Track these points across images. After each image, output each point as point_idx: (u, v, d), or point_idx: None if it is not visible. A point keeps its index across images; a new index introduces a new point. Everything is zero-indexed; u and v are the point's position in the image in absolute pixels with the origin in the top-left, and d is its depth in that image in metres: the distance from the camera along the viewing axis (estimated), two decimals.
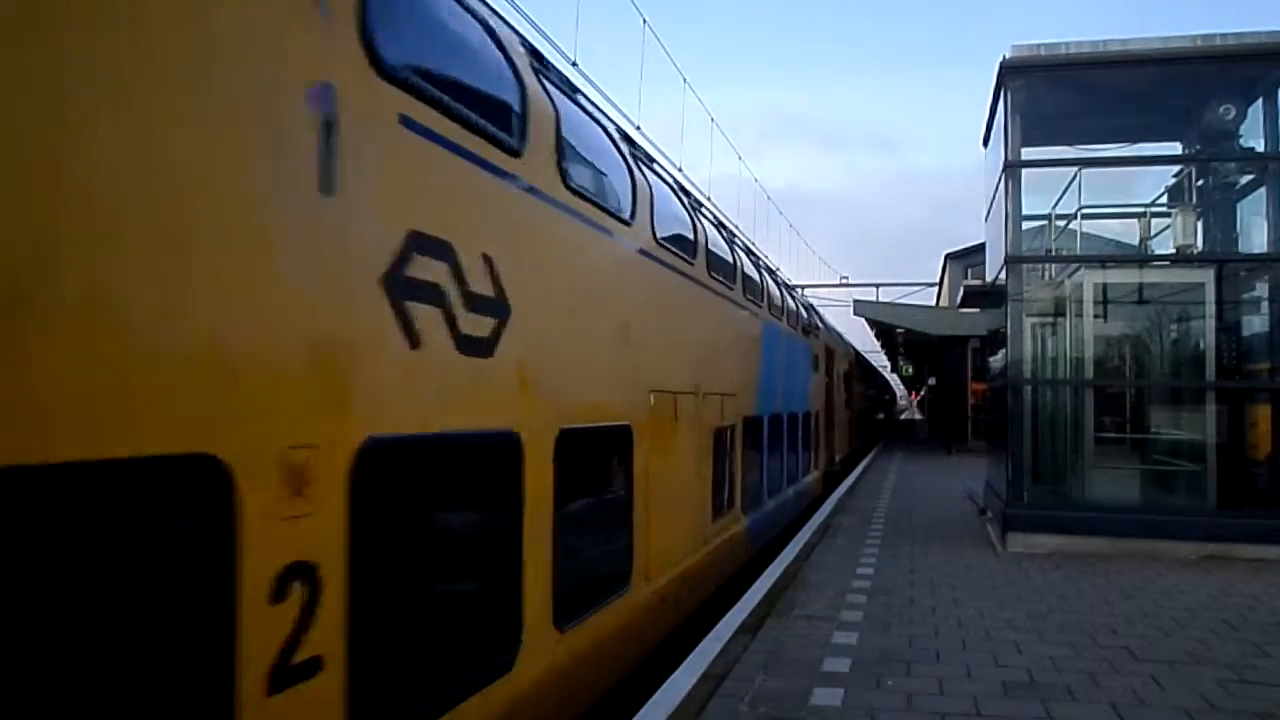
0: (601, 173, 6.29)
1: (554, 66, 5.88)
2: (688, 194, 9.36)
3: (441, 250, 3.69)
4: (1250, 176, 11.84)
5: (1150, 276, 12.18)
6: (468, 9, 4.43)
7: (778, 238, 60.48)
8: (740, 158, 27.63)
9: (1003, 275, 11.99)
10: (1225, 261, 11.72)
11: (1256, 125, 11.40)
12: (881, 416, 59.96)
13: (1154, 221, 12.26)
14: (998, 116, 12.09)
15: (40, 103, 2.07)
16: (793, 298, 16.69)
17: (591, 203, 5.68)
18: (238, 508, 2.56)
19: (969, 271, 36.50)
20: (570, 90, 6.03)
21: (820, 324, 20.14)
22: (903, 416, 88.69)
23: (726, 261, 9.96)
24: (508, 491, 4.35)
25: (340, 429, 3.03)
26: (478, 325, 3.97)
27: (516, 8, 8.45)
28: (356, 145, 3.15)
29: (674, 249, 7.68)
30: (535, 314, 4.59)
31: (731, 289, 10.04)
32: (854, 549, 10.80)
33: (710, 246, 8.98)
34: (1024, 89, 11.64)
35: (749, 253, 12.74)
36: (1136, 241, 12.32)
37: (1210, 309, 11.13)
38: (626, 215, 6.49)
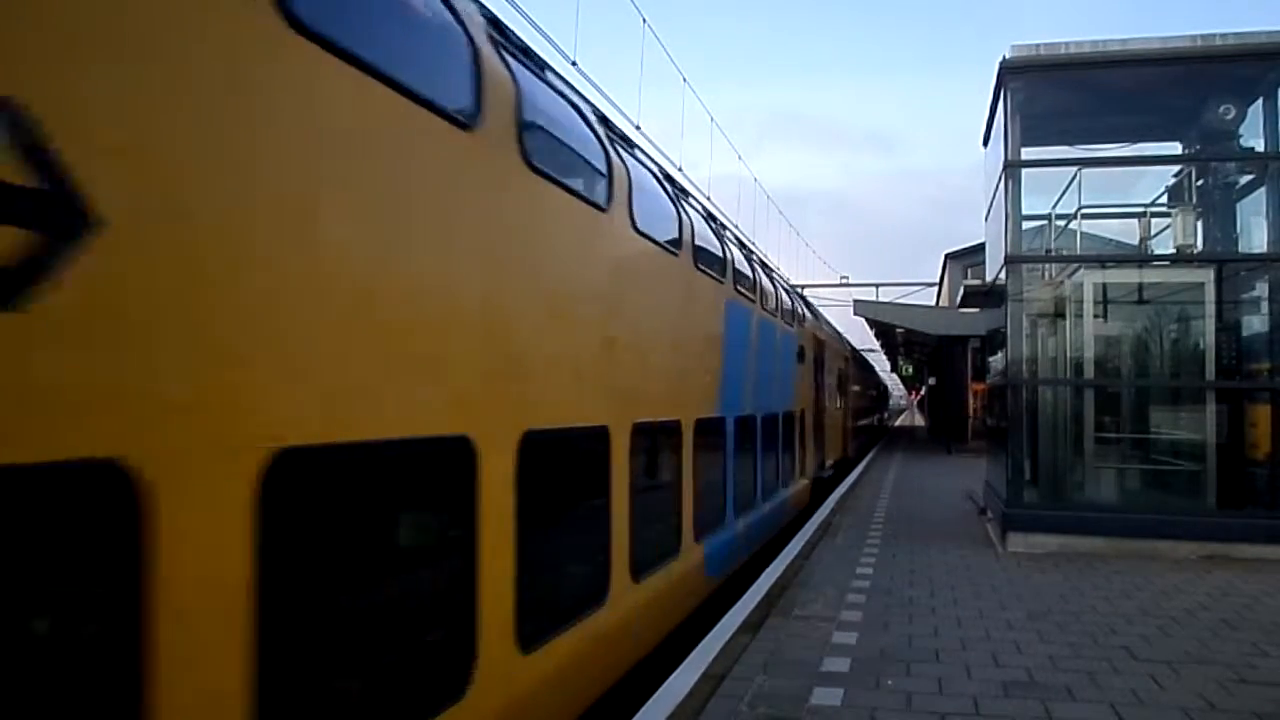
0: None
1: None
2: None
3: None
4: (1250, 176, 11.84)
5: (1150, 276, 12.18)
6: None
7: (777, 237, 60.48)
8: (740, 157, 27.47)
9: (1002, 275, 11.99)
10: (1225, 261, 11.73)
11: (1256, 125, 11.39)
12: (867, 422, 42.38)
13: (1154, 221, 12.25)
14: (997, 116, 12.09)
15: None
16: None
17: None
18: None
19: (969, 271, 36.47)
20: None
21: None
22: (898, 422, 78.14)
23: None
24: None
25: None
26: None
27: (516, 7, 8.45)
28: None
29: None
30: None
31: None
32: (854, 548, 10.80)
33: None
34: (1024, 89, 11.64)
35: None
36: (1136, 241, 12.30)
37: (1210, 309, 11.13)
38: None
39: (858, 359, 35.91)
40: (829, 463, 19.76)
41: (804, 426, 15.51)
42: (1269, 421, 10.80)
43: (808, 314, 17.33)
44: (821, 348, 18.55)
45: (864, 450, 33.20)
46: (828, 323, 23.81)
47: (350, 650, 3.27)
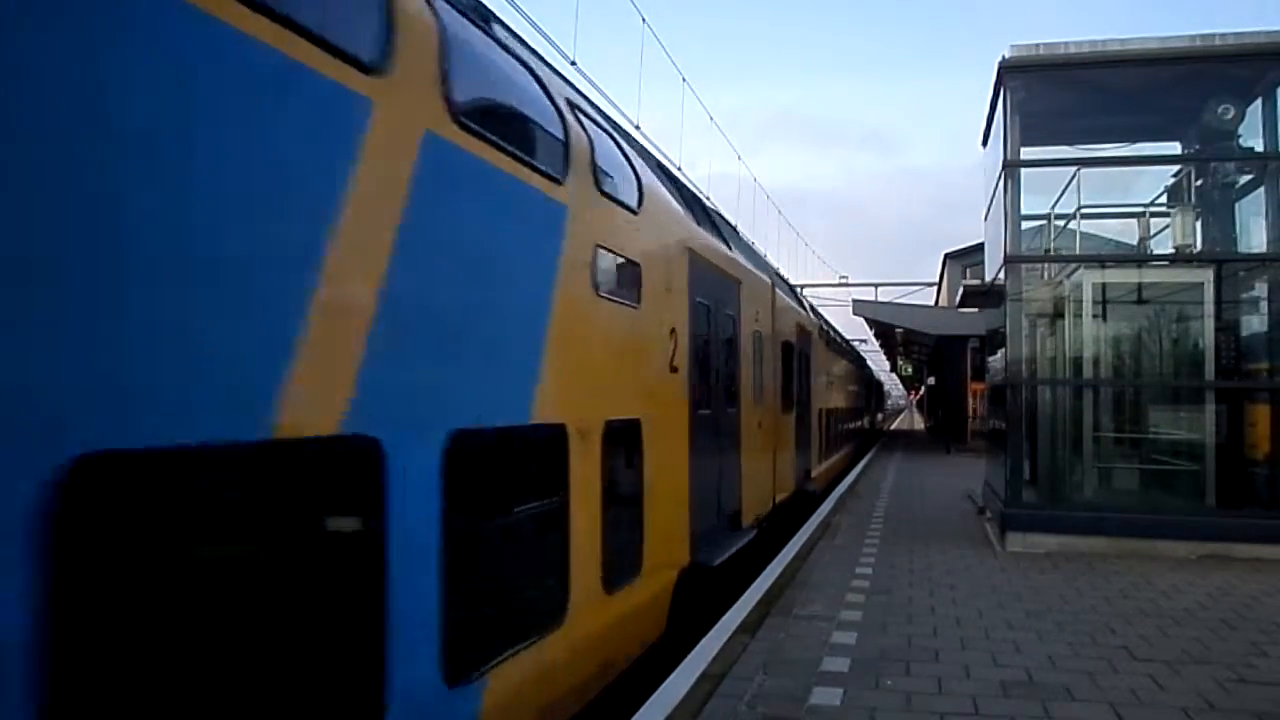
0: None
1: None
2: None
3: None
4: (1249, 176, 11.85)
5: (1149, 276, 12.19)
6: None
7: (777, 237, 60.53)
8: (739, 157, 27.43)
9: (1002, 275, 11.99)
10: (1224, 261, 11.73)
11: (1255, 125, 11.41)
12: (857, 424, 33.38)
13: (1153, 221, 12.26)
14: (997, 116, 12.09)
15: None
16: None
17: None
18: None
19: (968, 271, 36.46)
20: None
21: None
22: (894, 425, 73.60)
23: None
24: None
25: None
26: None
27: (516, 7, 8.45)
28: None
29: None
30: None
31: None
32: (853, 548, 10.79)
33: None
34: (1023, 88, 11.64)
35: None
36: (1136, 241, 12.32)
37: (1209, 309, 11.13)
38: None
39: (833, 340, 24.82)
40: (756, 517, 10.89)
41: (640, 456, 6.71)
42: (1268, 421, 10.82)
43: (671, 203, 7.97)
44: (728, 291, 9.63)
45: (847, 464, 24.52)
46: (764, 264, 14.31)
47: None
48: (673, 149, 32.83)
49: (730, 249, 10.41)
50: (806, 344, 16.50)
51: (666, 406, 7.37)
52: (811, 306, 21.14)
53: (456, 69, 4.04)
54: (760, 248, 17.50)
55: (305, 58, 3.02)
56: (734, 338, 10.01)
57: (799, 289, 23.25)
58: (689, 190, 10.54)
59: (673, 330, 7.46)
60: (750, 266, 11.47)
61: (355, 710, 3.32)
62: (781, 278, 16.57)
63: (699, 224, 8.84)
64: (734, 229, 13.06)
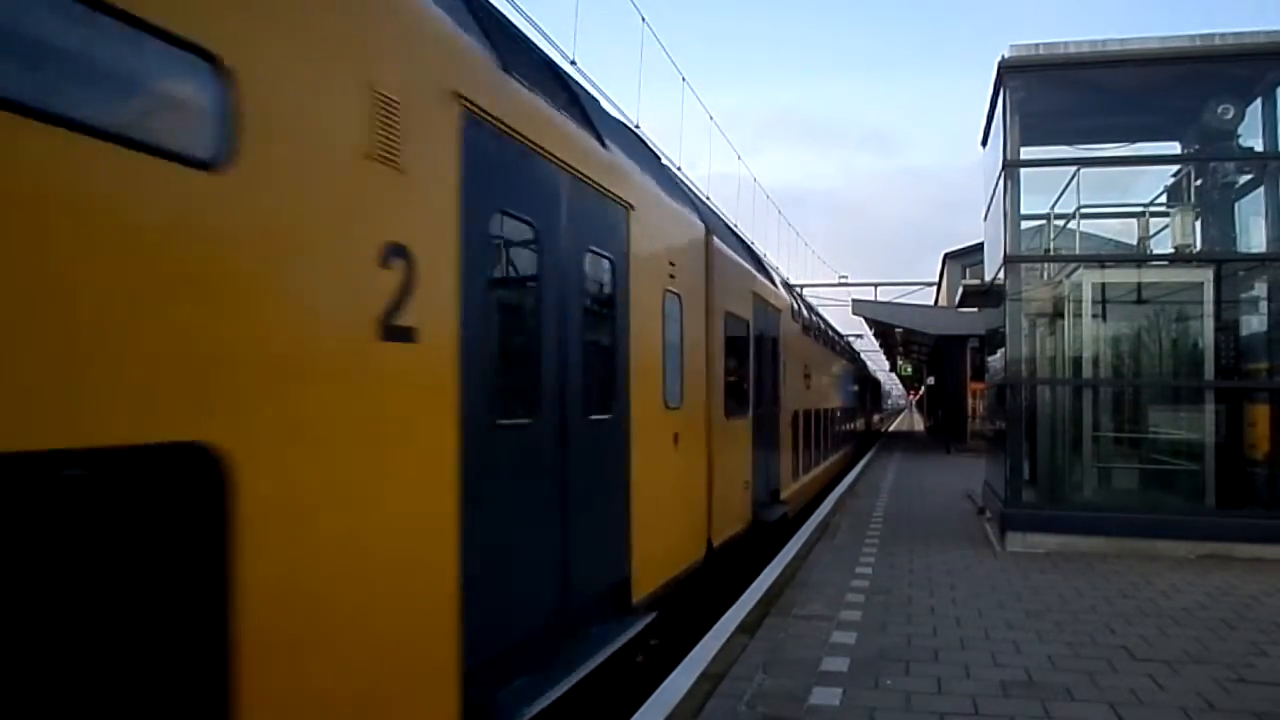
0: None
1: None
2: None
3: None
4: (1249, 176, 11.86)
5: (1149, 276, 12.19)
6: None
7: (776, 237, 60.46)
8: (739, 156, 27.46)
9: (1001, 275, 11.99)
10: (1223, 261, 11.73)
11: (1255, 125, 11.41)
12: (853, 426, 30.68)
13: (1153, 221, 12.27)
14: (997, 116, 12.09)
15: None
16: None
17: None
18: None
19: (968, 271, 36.46)
20: None
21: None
22: (892, 426, 70.83)
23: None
24: None
25: None
26: None
27: (516, 7, 8.42)
28: None
29: None
30: None
31: None
32: (852, 548, 10.79)
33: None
34: (1023, 88, 11.64)
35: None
36: (1135, 241, 12.33)
37: (1209, 308, 11.14)
38: None
39: (816, 325, 19.85)
40: (665, 581, 7.05)
41: (222, 539, 2.50)
42: (1268, 421, 10.82)
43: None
44: (595, 214, 5.82)
45: (839, 473, 21.77)
46: (702, 207, 10.39)
47: None
48: (673, 149, 32.83)
49: (607, 147, 6.17)
50: (772, 326, 12.56)
51: (359, 411, 3.33)
52: (785, 282, 16.97)
53: None
54: (760, 247, 17.28)
55: None
56: (613, 296, 6.17)
57: (799, 288, 22.38)
58: (491, 9, 5.31)
59: (398, 251, 3.51)
60: (658, 190, 7.46)
61: None
62: (735, 234, 12.93)
63: (509, 69, 4.61)
64: (632, 132, 8.96)
